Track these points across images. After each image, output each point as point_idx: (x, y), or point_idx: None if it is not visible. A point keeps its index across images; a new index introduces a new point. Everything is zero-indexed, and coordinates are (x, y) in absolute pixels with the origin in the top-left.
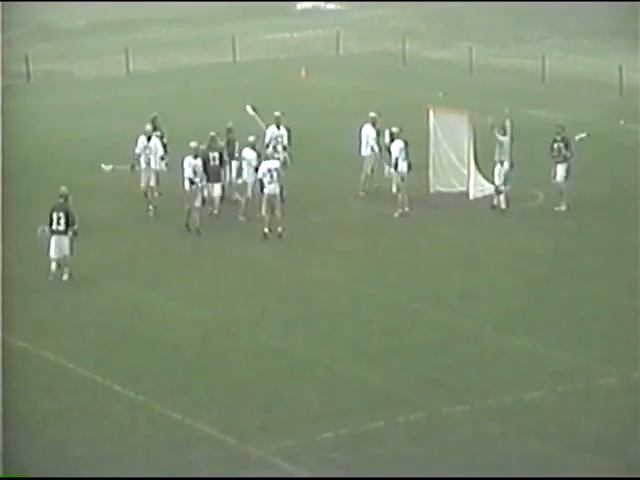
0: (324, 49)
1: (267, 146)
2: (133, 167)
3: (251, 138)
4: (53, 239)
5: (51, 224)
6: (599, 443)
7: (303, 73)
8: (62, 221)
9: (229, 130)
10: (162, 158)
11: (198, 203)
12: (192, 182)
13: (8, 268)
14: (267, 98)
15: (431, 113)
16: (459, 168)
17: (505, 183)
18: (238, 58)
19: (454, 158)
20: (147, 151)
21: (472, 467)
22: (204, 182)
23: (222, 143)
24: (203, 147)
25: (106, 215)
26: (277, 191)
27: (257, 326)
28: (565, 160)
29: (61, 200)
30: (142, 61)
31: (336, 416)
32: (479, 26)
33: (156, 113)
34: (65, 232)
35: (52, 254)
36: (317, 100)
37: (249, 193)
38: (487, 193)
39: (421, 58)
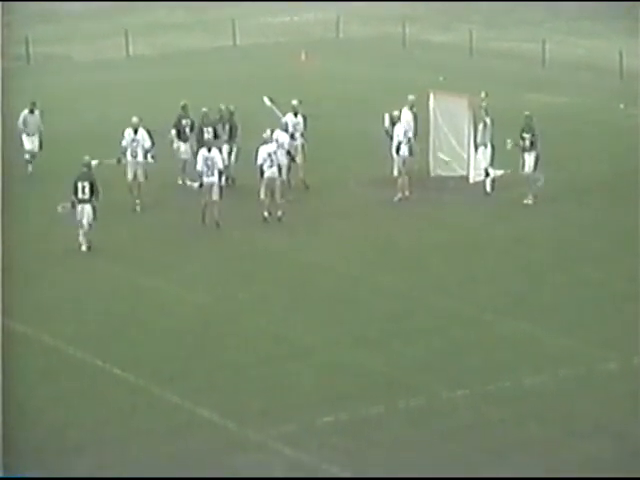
0: (324, 33)
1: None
2: (119, 161)
3: (283, 120)
4: (79, 208)
5: (76, 193)
6: (599, 428)
7: (303, 57)
8: (86, 190)
9: (232, 113)
10: (148, 151)
11: (215, 197)
12: (200, 176)
13: (8, 252)
14: (267, 82)
15: (431, 97)
16: (459, 152)
17: (492, 165)
18: (238, 42)
19: (454, 142)
20: (134, 144)
21: (472, 452)
22: (214, 176)
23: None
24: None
25: (106, 200)
26: (276, 175)
27: (257, 311)
28: (533, 149)
29: (85, 170)
30: (142, 44)
31: (336, 401)
32: (479, 9)
33: (185, 101)
34: (89, 200)
35: (82, 222)
36: (317, 84)
37: (283, 176)
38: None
39: (421, 42)
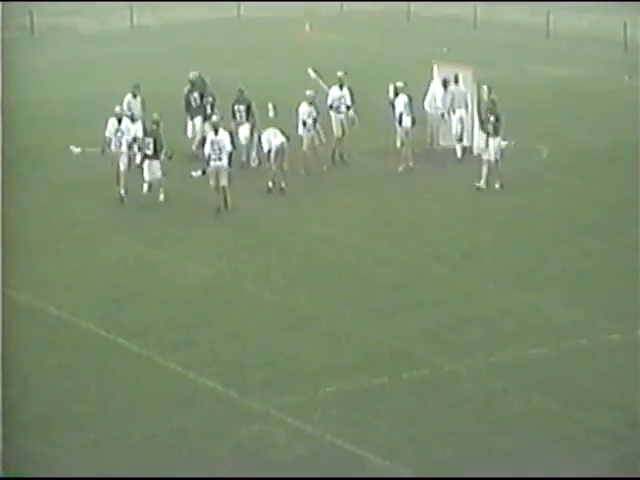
0: (328, 5)
1: (330, 107)
2: (103, 150)
3: (308, 92)
4: (145, 163)
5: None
6: (601, 400)
7: (307, 29)
8: (151, 146)
9: (241, 91)
10: (134, 139)
11: (224, 181)
12: (207, 161)
13: (11, 224)
14: (270, 54)
15: (435, 69)
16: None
17: (462, 133)
18: (242, 13)
19: None
20: (118, 134)
21: (475, 423)
22: (223, 160)
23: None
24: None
25: (110, 170)
26: (284, 143)
27: (260, 282)
28: (497, 135)
29: (154, 126)
30: (146, 16)
31: (339, 372)
32: None
33: (197, 73)
34: (155, 156)
35: (145, 177)
36: (321, 56)
37: (304, 147)
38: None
39: (426, 14)
